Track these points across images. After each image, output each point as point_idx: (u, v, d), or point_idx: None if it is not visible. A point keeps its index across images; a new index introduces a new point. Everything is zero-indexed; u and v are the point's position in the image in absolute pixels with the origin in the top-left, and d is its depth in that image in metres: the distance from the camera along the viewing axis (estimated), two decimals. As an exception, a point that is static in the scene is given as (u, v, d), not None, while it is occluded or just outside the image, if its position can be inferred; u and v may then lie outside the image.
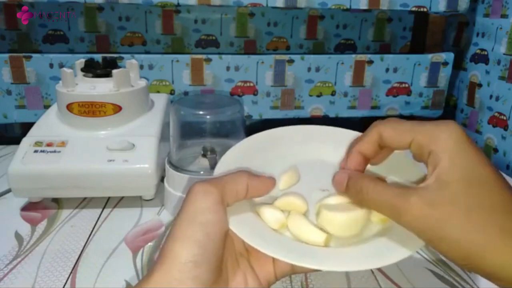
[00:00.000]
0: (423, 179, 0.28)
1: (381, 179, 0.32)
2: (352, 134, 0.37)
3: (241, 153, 0.37)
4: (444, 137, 0.27)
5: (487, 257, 0.24)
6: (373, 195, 0.28)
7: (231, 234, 0.30)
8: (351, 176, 0.31)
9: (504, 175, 0.70)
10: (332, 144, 0.38)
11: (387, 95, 0.87)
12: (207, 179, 0.30)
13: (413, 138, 0.28)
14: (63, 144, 0.54)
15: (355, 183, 0.30)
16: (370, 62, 0.83)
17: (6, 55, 0.74)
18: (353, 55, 0.83)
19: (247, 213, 0.31)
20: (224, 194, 0.29)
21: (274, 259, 0.32)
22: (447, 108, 0.91)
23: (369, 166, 0.34)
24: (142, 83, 0.61)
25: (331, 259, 0.29)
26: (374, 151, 0.32)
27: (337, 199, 0.32)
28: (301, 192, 0.34)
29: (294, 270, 0.33)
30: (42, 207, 0.56)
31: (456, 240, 0.24)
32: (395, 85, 0.86)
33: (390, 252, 0.28)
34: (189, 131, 0.57)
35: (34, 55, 0.75)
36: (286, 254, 0.27)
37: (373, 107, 0.87)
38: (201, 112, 0.54)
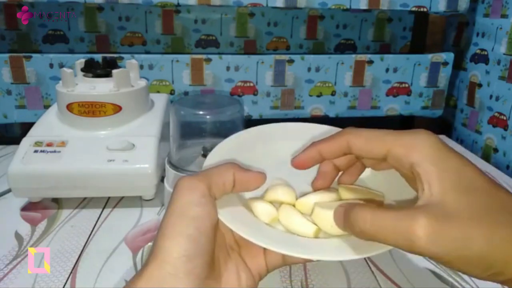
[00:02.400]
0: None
1: (379, 205, 0.31)
2: None
3: (231, 148, 0.37)
4: (421, 147, 0.25)
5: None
6: (374, 222, 0.24)
7: (221, 228, 0.30)
8: (346, 208, 0.27)
9: (505, 175, 0.70)
10: None
11: (387, 95, 0.86)
12: (193, 173, 0.30)
13: (387, 150, 0.27)
14: (63, 144, 0.54)
15: (350, 213, 0.26)
16: (370, 62, 0.83)
17: (6, 55, 0.74)
18: (353, 55, 0.83)
19: (238, 207, 0.31)
20: (210, 187, 0.29)
21: (265, 251, 0.32)
22: (447, 108, 0.91)
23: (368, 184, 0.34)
24: (142, 83, 0.61)
25: (321, 249, 0.29)
26: (335, 154, 0.30)
27: (326, 196, 0.33)
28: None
29: (285, 262, 0.33)
30: (42, 207, 0.56)
31: (479, 255, 0.22)
32: (395, 85, 0.86)
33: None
34: (189, 131, 0.57)
35: (34, 55, 0.75)
36: (276, 244, 0.27)
37: (373, 107, 0.87)
38: (201, 112, 0.54)
